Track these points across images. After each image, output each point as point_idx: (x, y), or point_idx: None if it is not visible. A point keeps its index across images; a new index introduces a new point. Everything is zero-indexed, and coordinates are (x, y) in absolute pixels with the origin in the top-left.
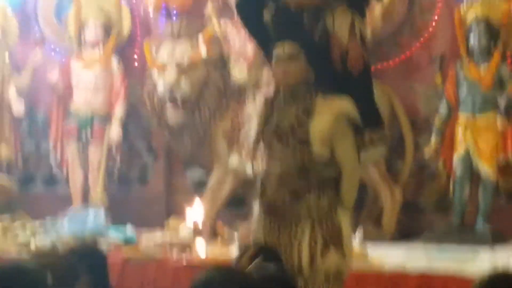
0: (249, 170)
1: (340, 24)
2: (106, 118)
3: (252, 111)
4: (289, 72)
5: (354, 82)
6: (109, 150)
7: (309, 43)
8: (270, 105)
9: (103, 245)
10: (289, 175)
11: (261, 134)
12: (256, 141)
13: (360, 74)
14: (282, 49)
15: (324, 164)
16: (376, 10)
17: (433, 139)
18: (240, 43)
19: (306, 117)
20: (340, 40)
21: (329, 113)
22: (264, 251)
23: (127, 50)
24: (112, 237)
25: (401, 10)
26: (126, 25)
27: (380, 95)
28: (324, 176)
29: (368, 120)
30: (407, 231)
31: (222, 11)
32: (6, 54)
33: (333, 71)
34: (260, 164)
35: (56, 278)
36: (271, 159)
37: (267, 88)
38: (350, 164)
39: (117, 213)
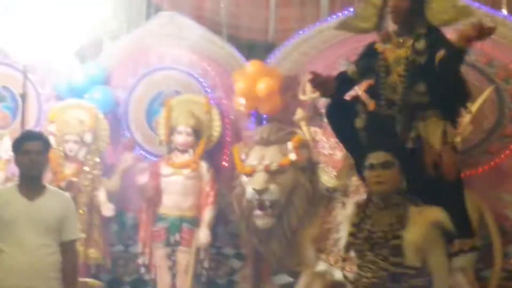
0: (337, 276)
1: (433, 132)
2: (195, 222)
3: (342, 218)
4: (383, 181)
5: (446, 190)
6: (198, 254)
7: (402, 151)
8: (362, 212)
9: None
10: (380, 284)
11: (353, 240)
12: (347, 248)
13: (453, 182)
14: (375, 158)
15: (416, 272)
16: (465, 118)
17: None
18: (329, 149)
19: (400, 226)
20: (433, 147)
21: (423, 223)
22: None
23: (216, 154)
24: None
25: (490, 118)
26: (216, 129)
27: (469, 203)
28: (414, 284)
29: (460, 229)
30: None
31: (311, 118)
32: (97, 157)
33: (426, 180)
34: (350, 271)
35: None
36: (362, 267)
37: (355, 195)
38: (442, 273)
39: None
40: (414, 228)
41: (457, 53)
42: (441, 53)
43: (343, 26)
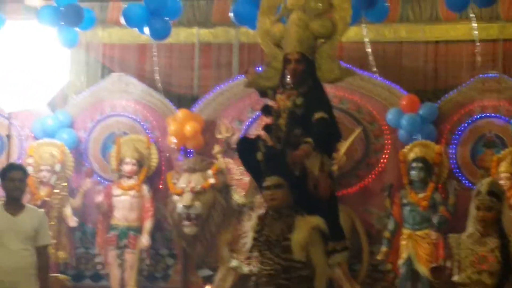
0: (246, 270)
1: (313, 163)
2: (139, 230)
3: (248, 227)
4: (275, 198)
5: (323, 205)
6: (141, 254)
7: (291, 176)
8: (261, 222)
9: None
10: (276, 275)
11: (255, 243)
12: (251, 249)
13: (328, 199)
14: (270, 181)
15: (302, 266)
16: (341, 151)
17: (384, 248)
18: (239, 175)
19: (289, 231)
20: (313, 174)
21: (306, 227)
22: None
23: (154, 179)
24: None
25: (359, 150)
26: (154, 161)
27: (344, 215)
28: (302, 274)
29: (334, 234)
30: None
31: (226, 151)
32: (65, 182)
33: (308, 197)
34: (254, 266)
35: None
36: (263, 262)
37: (259, 209)
38: (321, 266)
39: None
40: (299, 232)
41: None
42: (316, 115)
43: (251, 84)
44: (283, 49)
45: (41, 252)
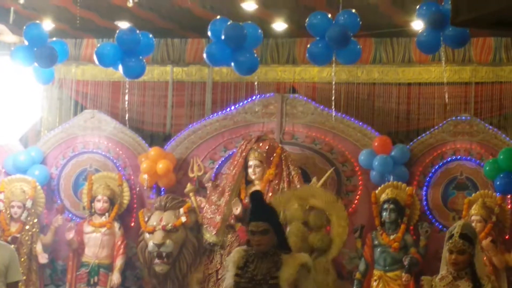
0: None
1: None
2: (109, 267)
3: (228, 261)
4: (262, 243)
5: None
6: None
7: (275, 221)
8: (245, 258)
9: None
10: None
11: (238, 280)
12: (233, 285)
13: None
14: (256, 227)
15: None
16: None
17: None
18: (210, 214)
19: (275, 269)
20: None
21: (294, 265)
22: None
23: (126, 216)
24: None
25: (331, 190)
26: (126, 198)
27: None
28: None
29: None
30: None
31: (198, 190)
32: (35, 219)
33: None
34: None
35: None
36: None
37: (230, 248)
38: None
39: None
40: (287, 269)
41: None
42: None
43: None
44: None
45: None
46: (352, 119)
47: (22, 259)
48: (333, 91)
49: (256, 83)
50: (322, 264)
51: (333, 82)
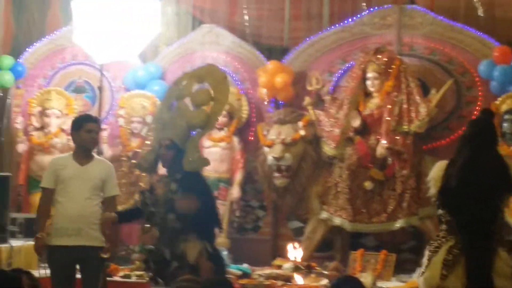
0: (336, 222)
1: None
2: (229, 182)
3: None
4: None
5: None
6: (231, 206)
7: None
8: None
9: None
10: None
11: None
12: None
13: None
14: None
15: None
16: (432, 103)
17: None
18: (329, 127)
19: None
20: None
21: None
22: None
23: (245, 131)
24: (234, 271)
25: (450, 102)
26: (244, 113)
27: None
28: None
29: None
30: None
31: (316, 103)
32: None
33: None
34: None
35: None
36: None
37: (349, 161)
38: None
39: (237, 253)
40: None
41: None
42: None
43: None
44: None
45: (108, 202)
46: (472, 29)
47: (144, 174)
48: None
49: None
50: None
51: None
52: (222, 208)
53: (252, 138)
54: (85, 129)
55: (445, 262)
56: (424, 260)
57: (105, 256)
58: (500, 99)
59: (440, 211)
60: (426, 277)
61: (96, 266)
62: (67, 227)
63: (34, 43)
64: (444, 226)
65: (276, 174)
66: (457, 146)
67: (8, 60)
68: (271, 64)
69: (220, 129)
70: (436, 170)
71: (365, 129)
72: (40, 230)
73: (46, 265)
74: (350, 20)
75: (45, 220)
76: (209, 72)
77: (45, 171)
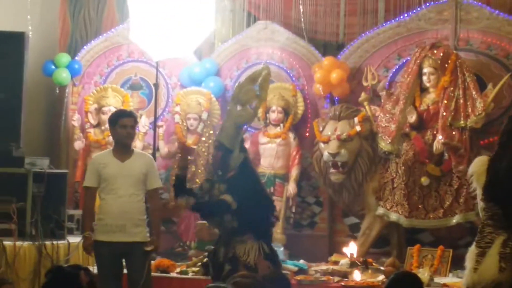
0: (392, 218)
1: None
2: (285, 178)
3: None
4: None
5: None
6: (287, 202)
7: None
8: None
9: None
10: None
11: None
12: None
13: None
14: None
15: None
16: (489, 98)
17: None
18: (385, 123)
19: None
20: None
21: None
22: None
23: (300, 127)
24: (290, 267)
25: (507, 97)
26: (300, 109)
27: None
28: None
29: None
30: None
31: (372, 99)
32: (211, 130)
33: None
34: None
35: None
36: None
37: (405, 157)
38: None
39: (293, 250)
40: None
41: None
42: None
43: None
44: None
45: (152, 195)
46: None
47: (199, 170)
48: None
49: None
50: None
51: None
52: (278, 204)
53: (307, 134)
54: (119, 125)
55: (502, 255)
56: (471, 256)
57: (148, 249)
58: None
59: (484, 205)
60: (481, 270)
61: (141, 260)
62: (112, 223)
63: (91, 41)
64: (489, 222)
65: (332, 170)
66: (500, 140)
67: (65, 58)
68: (326, 60)
69: (276, 125)
70: (478, 165)
71: (421, 125)
72: (86, 229)
73: None
74: (405, 15)
75: (91, 219)
76: (260, 73)
77: (87, 170)
